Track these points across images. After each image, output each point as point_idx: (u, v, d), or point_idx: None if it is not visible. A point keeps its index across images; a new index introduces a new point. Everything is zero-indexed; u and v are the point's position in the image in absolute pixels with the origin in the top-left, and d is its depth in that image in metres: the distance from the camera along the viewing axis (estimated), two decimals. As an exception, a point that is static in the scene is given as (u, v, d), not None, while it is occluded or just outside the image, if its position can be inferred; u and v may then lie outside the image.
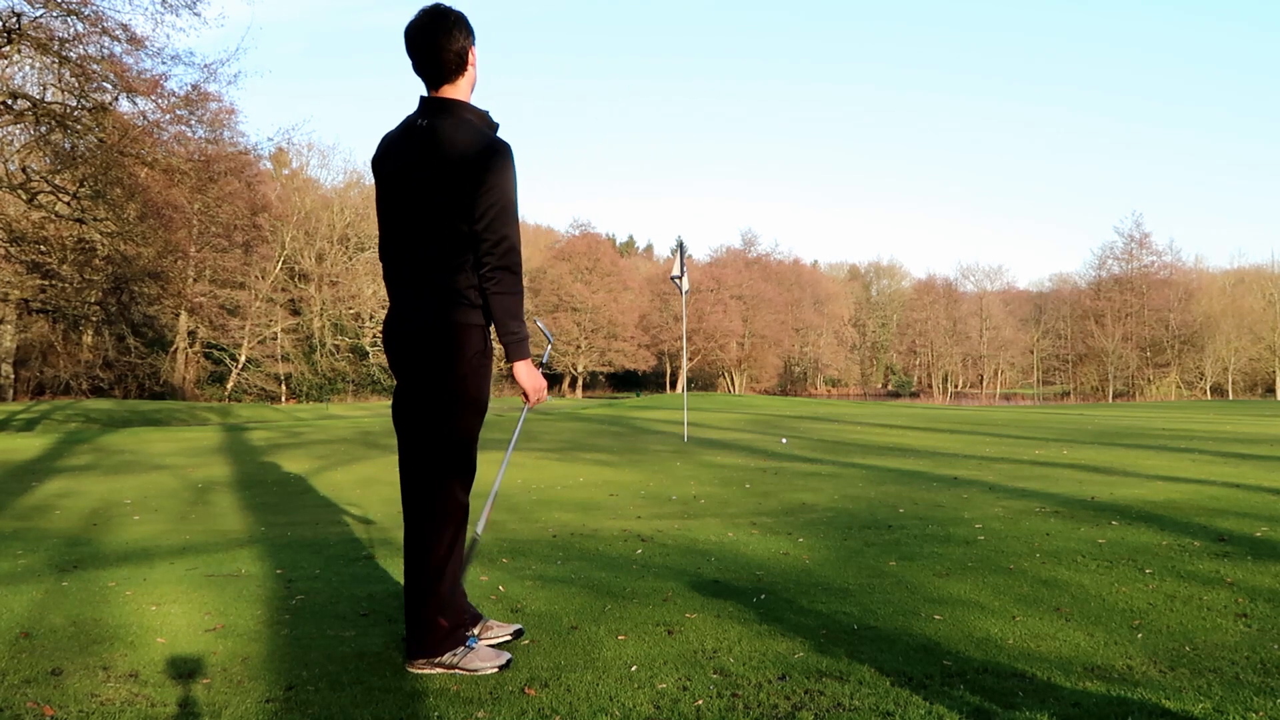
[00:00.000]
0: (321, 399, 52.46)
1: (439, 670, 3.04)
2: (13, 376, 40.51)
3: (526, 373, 3.08)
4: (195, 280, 45.09)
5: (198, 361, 51.77)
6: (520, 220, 3.05)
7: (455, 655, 3.05)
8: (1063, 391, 74.94)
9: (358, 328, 56.81)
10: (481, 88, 3.20)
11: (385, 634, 3.49)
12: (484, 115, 3.09)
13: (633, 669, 3.06)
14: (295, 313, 55.62)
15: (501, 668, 3.05)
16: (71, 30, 18.85)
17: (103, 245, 23.34)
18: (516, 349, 3.03)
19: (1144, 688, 2.80)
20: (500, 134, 3.08)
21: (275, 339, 53.49)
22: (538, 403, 3.15)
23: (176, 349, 49.63)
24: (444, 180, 2.94)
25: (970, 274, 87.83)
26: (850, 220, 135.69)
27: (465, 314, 3.02)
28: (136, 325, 41.55)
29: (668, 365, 75.86)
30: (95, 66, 19.35)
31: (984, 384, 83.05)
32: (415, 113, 3.10)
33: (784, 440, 14.04)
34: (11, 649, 3.30)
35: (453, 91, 3.06)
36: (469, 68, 3.06)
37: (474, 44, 3.07)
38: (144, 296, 30.00)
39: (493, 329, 3.11)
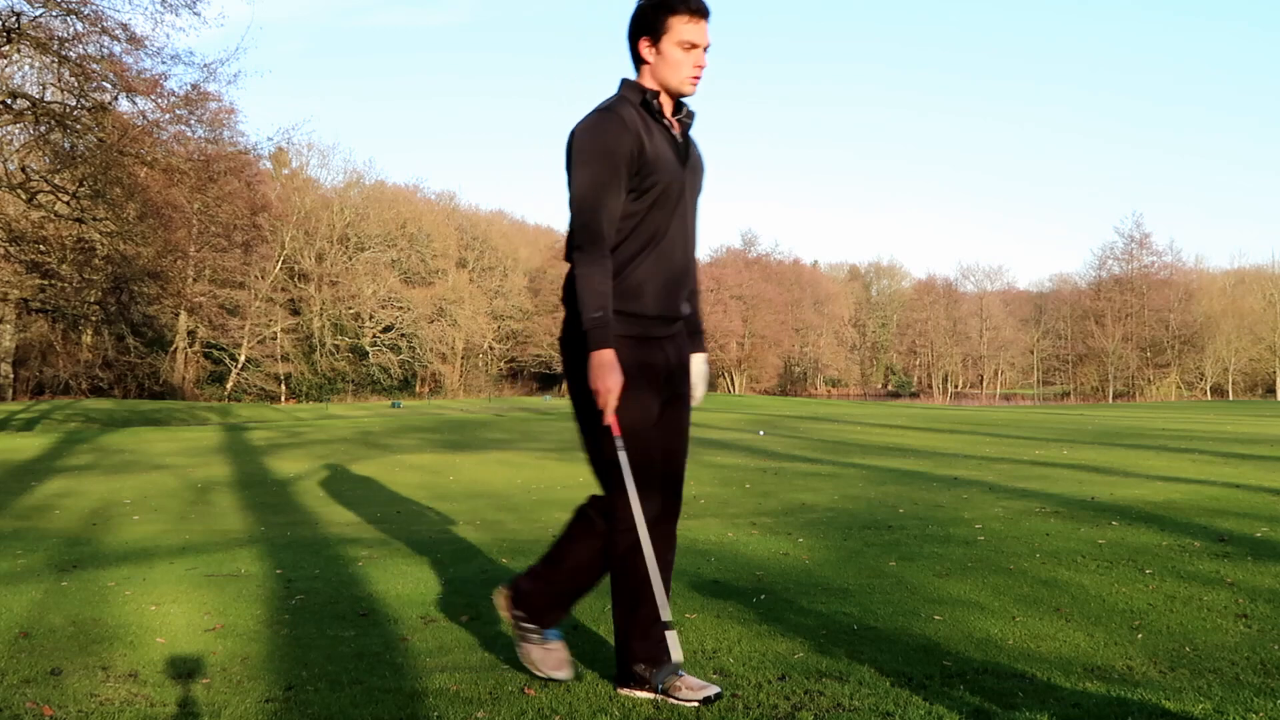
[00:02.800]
0: (321, 399, 52.49)
1: (512, 624, 2.96)
2: (12, 376, 40.53)
3: (595, 367, 2.66)
4: (195, 280, 45.13)
5: (197, 361, 51.82)
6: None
7: (523, 631, 2.95)
8: (1063, 392, 74.94)
9: (358, 328, 56.84)
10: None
11: (385, 634, 3.49)
12: (635, 86, 2.90)
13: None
14: (295, 312, 55.65)
15: (552, 674, 2.91)
16: (71, 30, 18.87)
17: (102, 245, 23.36)
18: (589, 337, 2.68)
19: (1144, 688, 2.80)
20: (619, 107, 2.83)
21: (275, 339, 53.53)
22: (604, 406, 2.68)
23: (176, 349, 49.66)
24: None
25: (970, 274, 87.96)
26: (850, 220, 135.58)
27: None
28: (136, 325, 41.60)
29: (668, 365, 75.77)
30: (95, 66, 19.35)
31: (984, 384, 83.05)
32: None
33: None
34: (11, 649, 3.30)
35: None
36: (644, 61, 2.92)
37: (647, 37, 2.87)
38: (143, 296, 30.06)
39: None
